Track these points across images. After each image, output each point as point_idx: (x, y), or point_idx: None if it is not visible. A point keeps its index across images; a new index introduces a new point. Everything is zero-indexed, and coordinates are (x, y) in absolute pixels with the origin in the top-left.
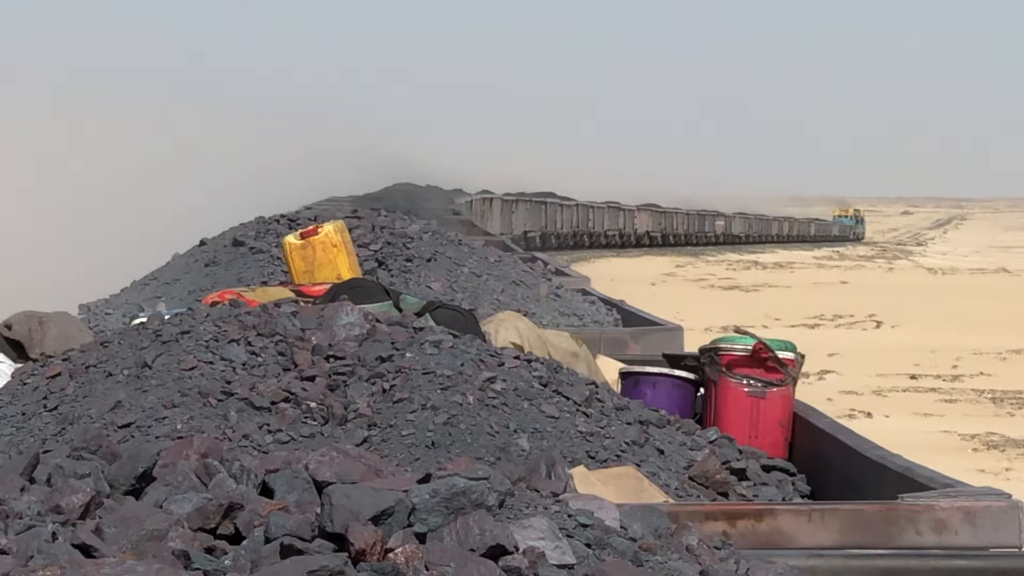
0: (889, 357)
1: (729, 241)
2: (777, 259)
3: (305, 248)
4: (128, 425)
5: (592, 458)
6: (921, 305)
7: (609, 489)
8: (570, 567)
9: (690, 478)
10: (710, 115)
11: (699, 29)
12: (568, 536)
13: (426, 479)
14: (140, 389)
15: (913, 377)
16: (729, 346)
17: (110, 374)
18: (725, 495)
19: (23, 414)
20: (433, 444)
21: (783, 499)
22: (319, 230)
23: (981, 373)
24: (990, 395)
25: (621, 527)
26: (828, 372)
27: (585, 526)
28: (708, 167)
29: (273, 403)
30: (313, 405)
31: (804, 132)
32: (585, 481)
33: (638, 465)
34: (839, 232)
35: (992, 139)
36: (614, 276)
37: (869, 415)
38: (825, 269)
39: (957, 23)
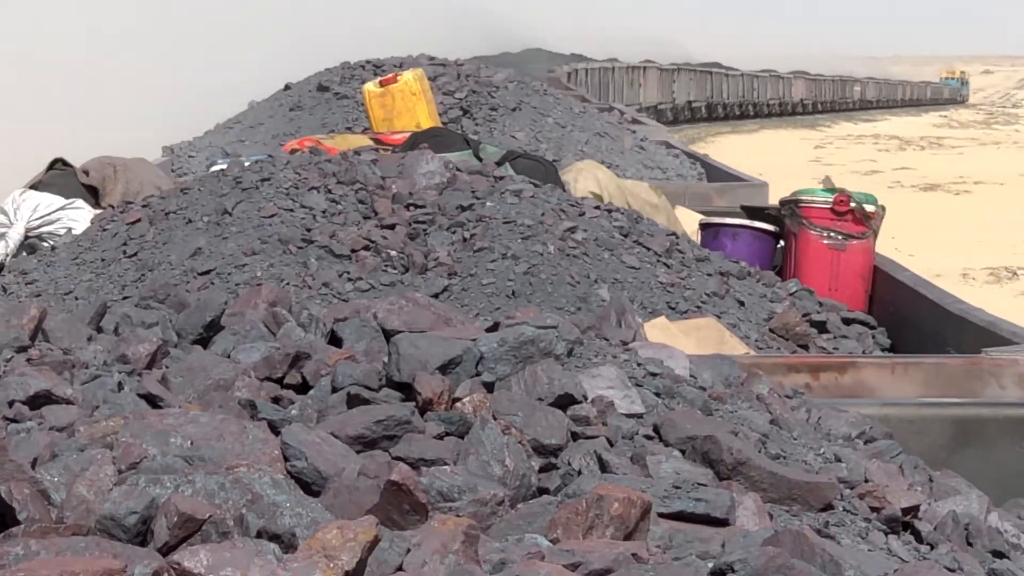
0: None
1: (864, 107)
2: (919, 131)
3: (384, 96)
4: (208, 272)
5: (672, 309)
6: None
7: (690, 340)
8: (639, 416)
9: (770, 330)
10: None
11: None
12: (637, 385)
13: (494, 328)
14: (220, 236)
15: None
16: (810, 198)
17: (190, 220)
18: (805, 347)
19: (103, 260)
20: (514, 294)
21: (863, 352)
22: (398, 78)
23: None
24: None
25: (691, 376)
26: None
27: (654, 375)
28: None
29: (353, 251)
30: (393, 253)
31: None
32: (666, 332)
33: (719, 316)
34: (948, 95)
35: None
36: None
37: None
38: (984, 145)
39: None
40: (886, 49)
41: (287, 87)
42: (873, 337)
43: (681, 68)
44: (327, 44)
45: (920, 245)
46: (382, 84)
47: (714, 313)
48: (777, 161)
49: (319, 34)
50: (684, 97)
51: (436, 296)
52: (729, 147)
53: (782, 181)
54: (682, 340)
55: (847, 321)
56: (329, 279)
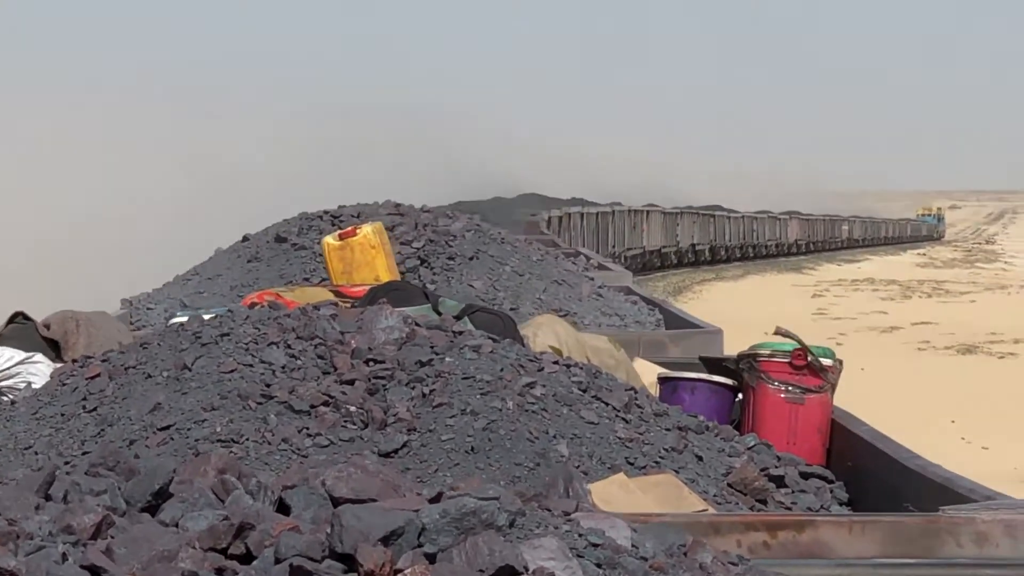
0: None
1: (851, 245)
2: (907, 272)
3: (343, 249)
4: (168, 427)
5: (631, 464)
6: None
7: (649, 497)
8: None
9: (729, 485)
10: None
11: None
12: (578, 556)
13: (437, 499)
14: (180, 391)
15: None
16: (768, 352)
17: (149, 375)
18: (764, 502)
19: (62, 415)
20: (472, 449)
21: (821, 507)
22: (357, 231)
23: None
24: None
25: (632, 546)
26: None
27: (596, 545)
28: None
29: (313, 407)
30: (353, 409)
31: (835, 120)
32: (625, 488)
33: (677, 471)
34: (926, 231)
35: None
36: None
37: None
38: (991, 290)
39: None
40: (852, 183)
41: (245, 238)
42: (831, 492)
43: (684, 212)
44: (315, 193)
45: (991, 433)
46: (341, 237)
47: (672, 468)
48: (777, 314)
49: (311, 184)
50: (688, 240)
51: (395, 452)
52: (719, 297)
53: (758, 337)
54: (640, 497)
55: (805, 475)
56: (288, 435)
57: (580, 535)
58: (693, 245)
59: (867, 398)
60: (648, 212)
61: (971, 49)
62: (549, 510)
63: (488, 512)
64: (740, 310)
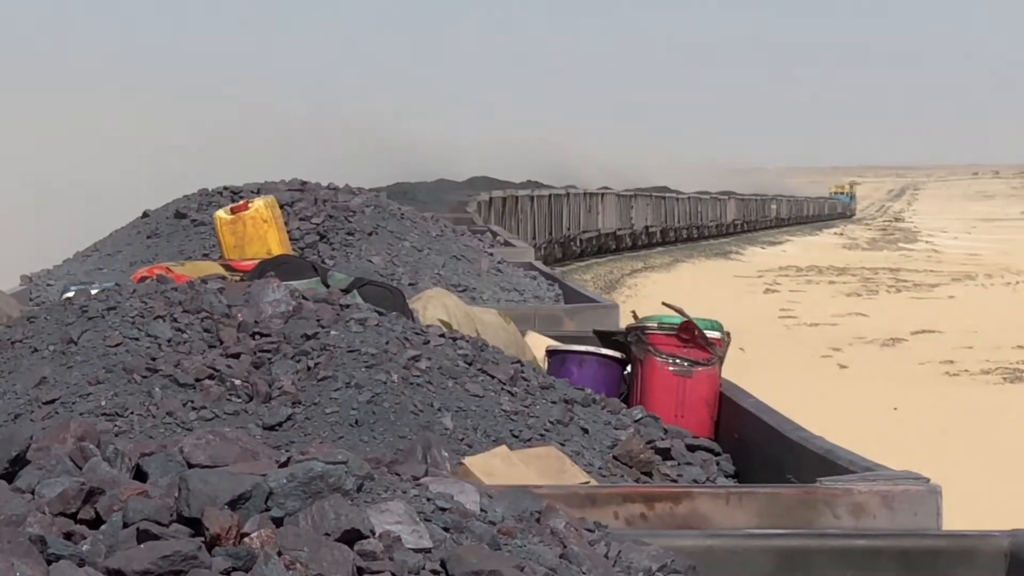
0: None
1: (778, 224)
2: (838, 256)
3: (235, 223)
4: (53, 401)
5: (516, 437)
6: None
7: (531, 469)
8: (427, 551)
9: (614, 457)
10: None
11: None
12: (426, 520)
13: (286, 463)
14: (65, 365)
15: None
16: (656, 325)
17: (35, 349)
18: (649, 475)
19: None
20: (357, 423)
21: (707, 479)
22: (249, 205)
23: None
24: None
25: (481, 510)
26: None
27: (444, 510)
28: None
29: (198, 380)
30: (238, 382)
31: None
32: (507, 461)
33: (562, 444)
34: (841, 209)
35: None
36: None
37: None
38: (961, 282)
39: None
40: (750, 161)
41: (145, 214)
42: (718, 464)
43: (638, 194)
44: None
45: None
46: (233, 211)
47: (558, 441)
48: (738, 317)
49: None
50: (642, 222)
51: (280, 425)
52: (656, 293)
53: (756, 353)
54: (522, 469)
55: (692, 448)
56: (173, 408)
57: (428, 499)
58: (647, 227)
59: (953, 475)
60: (603, 195)
61: (871, 29)
62: (399, 475)
63: (335, 476)
64: (694, 313)
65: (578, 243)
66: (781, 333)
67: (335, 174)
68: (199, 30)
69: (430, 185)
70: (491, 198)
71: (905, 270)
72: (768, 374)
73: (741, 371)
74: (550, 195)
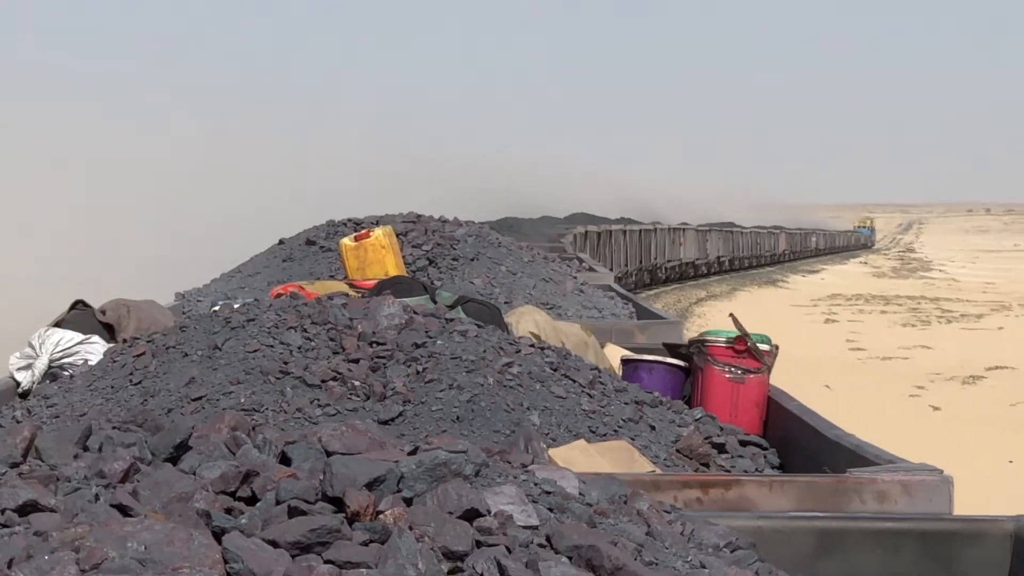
0: None
1: (817, 255)
2: (873, 285)
3: (358, 249)
4: (200, 398)
5: (593, 432)
6: None
7: (605, 459)
8: (534, 528)
9: (677, 450)
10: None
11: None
12: (533, 501)
13: (414, 452)
14: (211, 367)
15: None
16: (714, 338)
17: (186, 354)
18: (707, 465)
19: (112, 387)
20: (458, 418)
21: (756, 470)
22: (370, 233)
23: None
24: None
25: (580, 494)
26: None
27: (548, 493)
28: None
29: (323, 381)
30: (357, 384)
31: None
32: (585, 452)
33: (632, 439)
34: (864, 241)
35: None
36: (829, 384)
37: None
38: (998, 312)
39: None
40: (770, 196)
41: (281, 241)
42: (765, 457)
43: (712, 228)
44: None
45: None
46: (356, 239)
47: (628, 436)
48: (810, 349)
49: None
50: (715, 253)
51: (392, 420)
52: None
53: (841, 391)
54: (598, 459)
55: (743, 443)
56: (302, 405)
57: (535, 484)
58: (719, 257)
59: None
60: (684, 229)
61: (874, 75)
62: (509, 463)
63: (457, 463)
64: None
65: (664, 271)
66: (857, 367)
67: (451, 208)
68: (330, 80)
69: (535, 220)
70: (586, 231)
71: (942, 299)
72: (859, 411)
73: (831, 408)
74: (640, 230)
